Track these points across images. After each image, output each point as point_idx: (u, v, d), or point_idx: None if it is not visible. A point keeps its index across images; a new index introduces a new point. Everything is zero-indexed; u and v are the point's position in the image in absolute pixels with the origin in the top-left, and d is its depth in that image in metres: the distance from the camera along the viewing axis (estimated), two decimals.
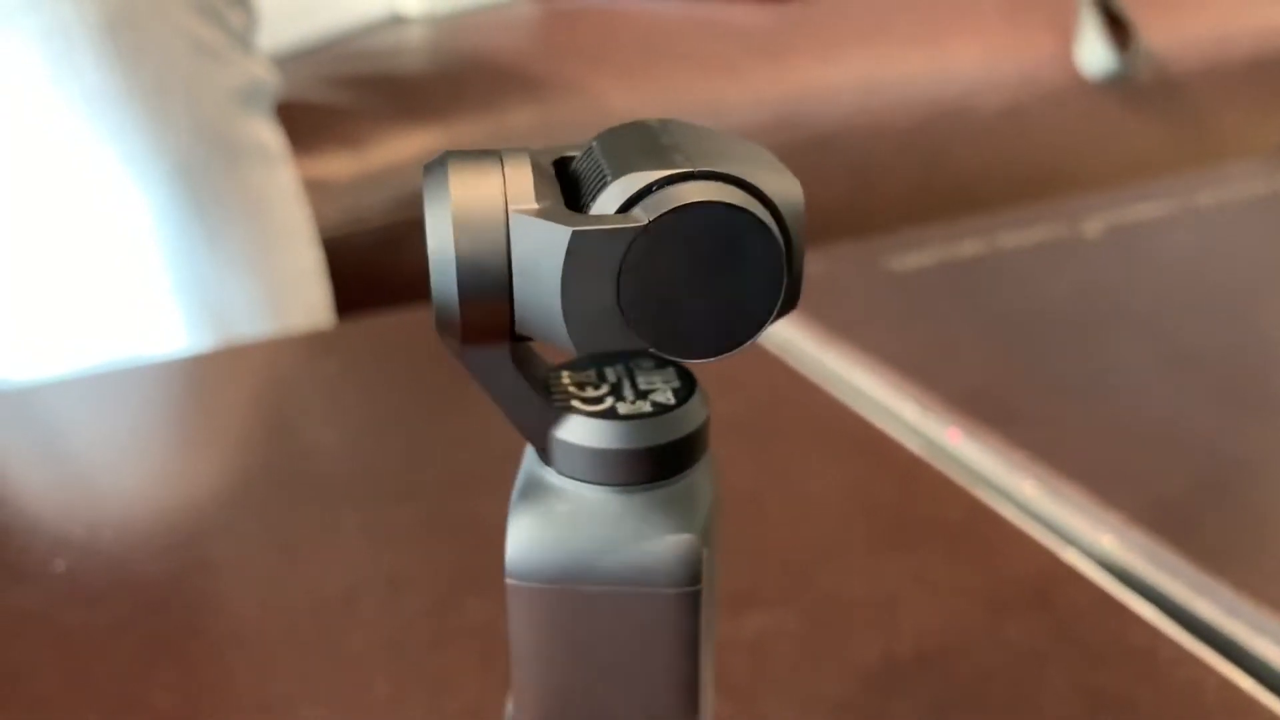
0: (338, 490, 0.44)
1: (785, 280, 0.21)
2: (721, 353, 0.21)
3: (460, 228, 0.20)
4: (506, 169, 0.21)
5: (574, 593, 0.22)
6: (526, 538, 0.22)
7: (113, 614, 0.38)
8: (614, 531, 0.22)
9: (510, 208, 0.20)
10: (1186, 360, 0.51)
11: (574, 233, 0.20)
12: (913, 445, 0.46)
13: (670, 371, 0.24)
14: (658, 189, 0.20)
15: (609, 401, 0.23)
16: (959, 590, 0.38)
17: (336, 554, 0.41)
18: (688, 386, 0.23)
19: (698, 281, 0.20)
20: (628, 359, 0.24)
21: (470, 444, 0.46)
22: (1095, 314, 0.55)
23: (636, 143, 0.21)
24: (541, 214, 0.20)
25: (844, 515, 0.42)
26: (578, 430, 0.22)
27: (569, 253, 0.20)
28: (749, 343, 0.22)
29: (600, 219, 0.20)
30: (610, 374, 0.23)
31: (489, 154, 0.21)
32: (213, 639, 0.37)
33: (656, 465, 0.22)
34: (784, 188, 0.21)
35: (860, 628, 0.37)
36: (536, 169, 0.21)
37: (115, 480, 0.46)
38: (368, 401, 0.51)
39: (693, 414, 0.23)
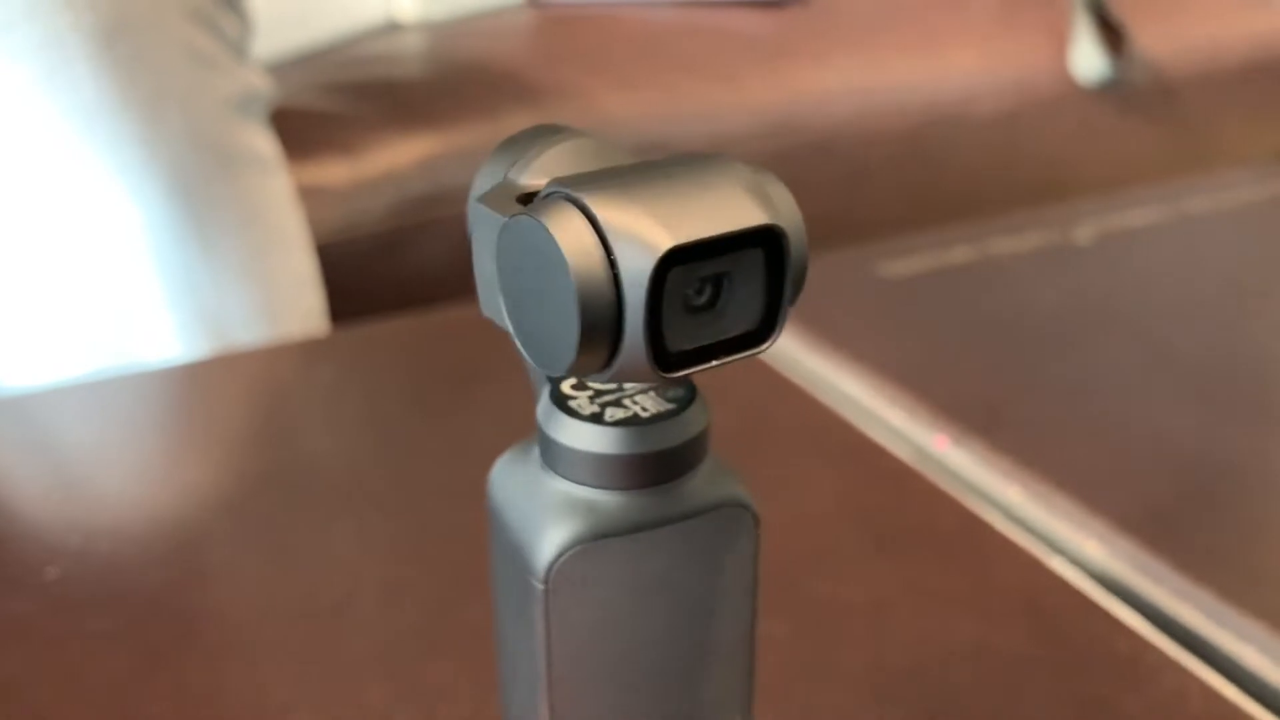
0: (332, 498, 0.45)
1: (579, 323, 0.19)
2: (554, 372, 0.21)
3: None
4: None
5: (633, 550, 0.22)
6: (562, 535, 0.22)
7: (105, 622, 0.38)
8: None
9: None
10: (1175, 367, 0.52)
11: (472, 202, 0.22)
12: (901, 453, 0.46)
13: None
14: (543, 196, 0.20)
15: (611, 407, 0.23)
16: (947, 598, 0.39)
17: (331, 562, 0.41)
18: (685, 389, 0.23)
19: (533, 292, 0.20)
20: None
21: (465, 452, 0.46)
22: (1085, 321, 0.56)
23: (622, 161, 0.22)
24: (489, 194, 0.22)
25: (833, 523, 0.43)
26: (596, 440, 0.22)
27: (470, 218, 0.22)
28: (590, 374, 0.20)
29: (505, 205, 0.21)
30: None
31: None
32: (206, 647, 0.37)
33: (644, 470, 0.22)
34: (649, 239, 0.19)
35: (850, 636, 0.37)
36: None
37: (109, 488, 0.46)
38: (363, 409, 0.51)
39: (682, 424, 0.23)
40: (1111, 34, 0.99)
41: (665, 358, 0.20)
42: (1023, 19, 1.04)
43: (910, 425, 0.48)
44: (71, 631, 0.37)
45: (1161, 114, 1.03)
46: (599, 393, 0.23)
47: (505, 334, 0.22)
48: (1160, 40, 1.02)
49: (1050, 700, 0.35)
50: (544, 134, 0.23)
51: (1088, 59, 0.98)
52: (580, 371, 0.20)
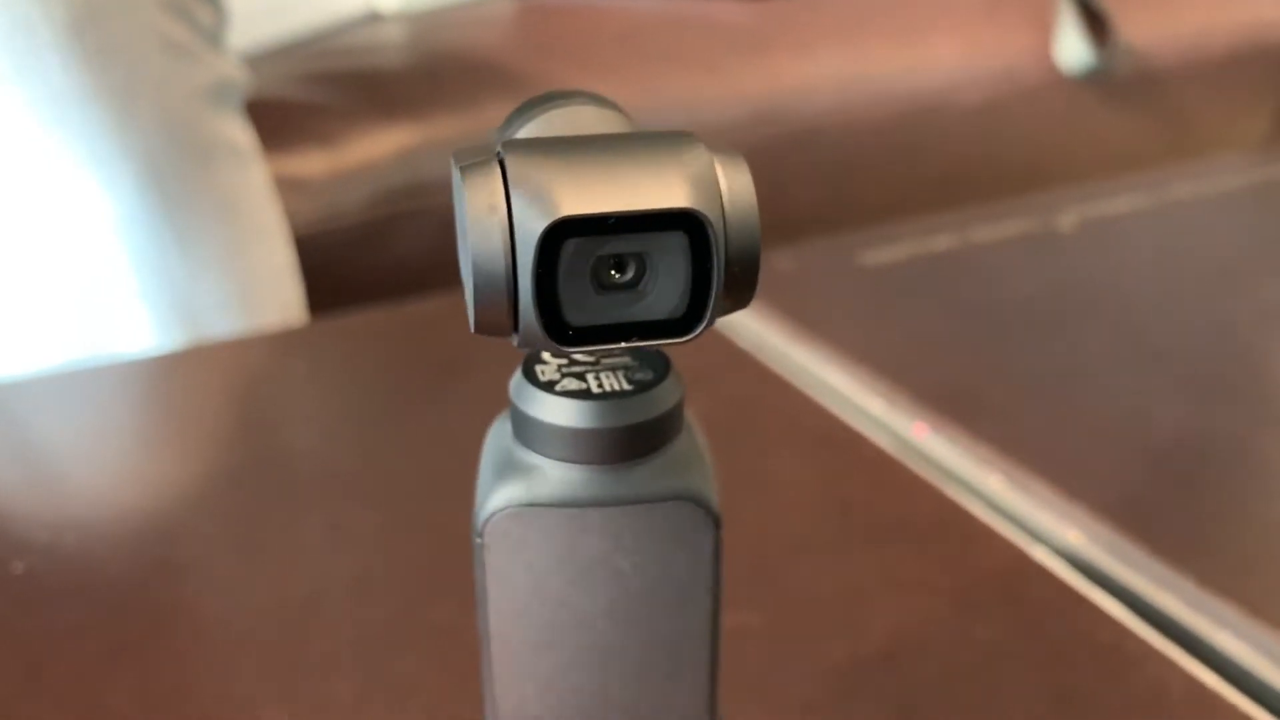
0: (304, 491, 0.44)
1: (473, 280, 0.19)
2: (472, 329, 0.20)
3: None
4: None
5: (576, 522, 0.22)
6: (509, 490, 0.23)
7: (72, 617, 0.37)
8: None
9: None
10: (1154, 355, 0.51)
11: (455, 153, 0.21)
12: (881, 441, 0.46)
13: (652, 358, 0.23)
14: (489, 154, 0.20)
15: (576, 381, 0.23)
16: (927, 588, 0.38)
17: (301, 555, 0.40)
18: (657, 373, 0.23)
19: (462, 246, 0.20)
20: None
21: (439, 446, 0.46)
22: (1065, 308, 0.55)
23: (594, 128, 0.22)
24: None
25: (812, 512, 0.42)
26: (544, 408, 0.22)
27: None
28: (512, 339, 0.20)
29: (479, 157, 0.21)
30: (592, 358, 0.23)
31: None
32: (174, 641, 0.37)
33: (616, 445, 0.22)
34: (545, 206, 0.19)
35: (828, 626, 0.37)
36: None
37: (79, 481, 0.46)
38: (336, 402, 0.50)
39: (651, 399, 0.22)
40: (1096, 23, 0.99)
41: (562, 329, 0.20)
42: (1006, 8, 1.03)
43: (890, 413, 0.47)
44: (38, 626, 0.37)
45: (1146, 103, 1.03)
46: (573, 363, 0.23)
47: None
48: (1145, 29, 1.02)
49: (1030, 690, 0.35)
50: (553, 98, 0.23)
51: (1072, 48, 0.98)
52: (488, 331, 0.20)
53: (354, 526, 0.42)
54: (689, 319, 0.20)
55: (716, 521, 0.23)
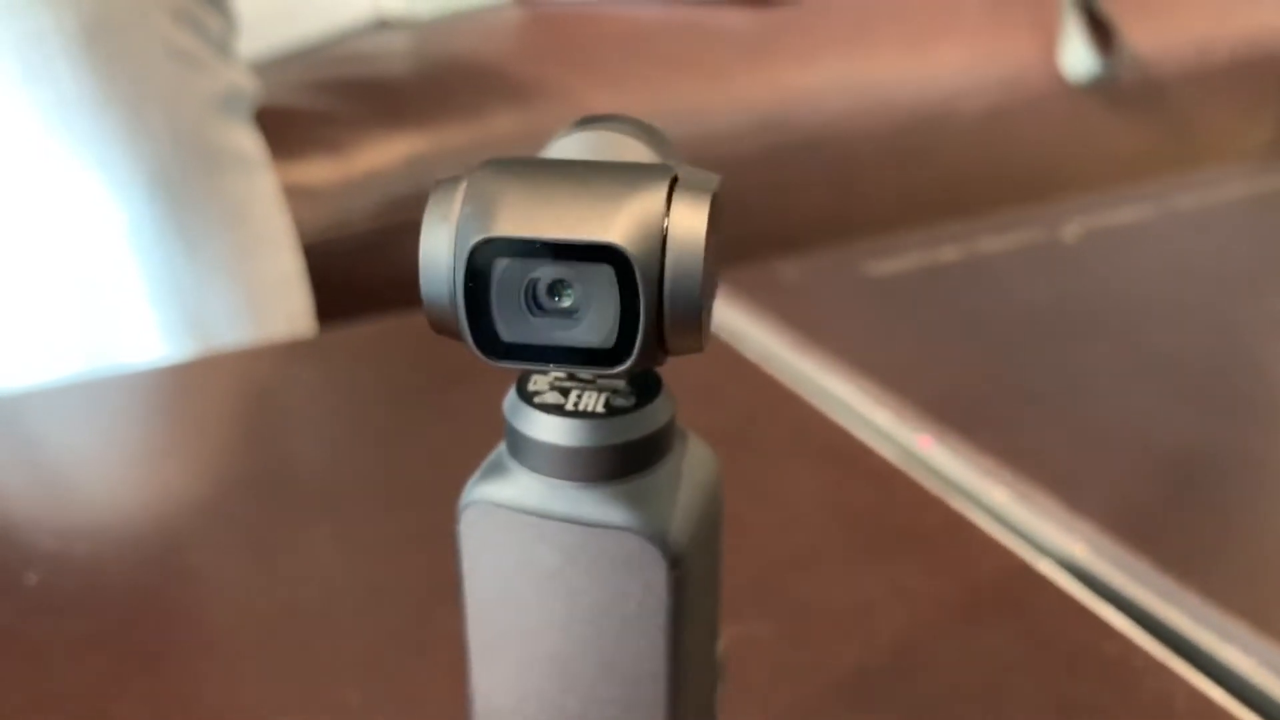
0: (314, 500, 0.44)
1: (421, 286, 0.21)
2: (435, 331, 0.22)
3: None
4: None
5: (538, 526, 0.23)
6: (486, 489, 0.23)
7: (84, 626, 0.38)
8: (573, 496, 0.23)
9: None
10: (1159, 366, 0.52)
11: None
12: (887, 452, 0.46)
13: (649, 386, 0.24)
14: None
15: (561, 398, 0.23)
16: (932, 599, 0.38)
17: (311, 564, 0.40)
18: (641, 401, 0.23)
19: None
20: None
21: (448, 454, 0.46)
22: (1070, 319, 0.55)
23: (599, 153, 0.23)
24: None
25: (818, 523, 0.42)
26: (519, 415, 0.23)
27: None
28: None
29: (461, 173, 0.22)
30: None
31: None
32: (186, 650, 0.37)
33: (598, 464, 0.23)
34: (476, 226, 0.20)
35: (834, 637, 0.37)
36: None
37: (91, 491, 0.46)
38: (346, 411, 0.51)
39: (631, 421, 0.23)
40: (1100, 31, 0.99)
41: (493, 344, 0.21)
42: (1011, 16, 1.04)
43: (895, 425, 0.48)
44: (49, 636, 0.37)
45: (1151, 111, 1.03)
46: (570, 379, 0.23)
47: None
48: (1149, 38, 1.02)
49: (1036, 703, 0.35)
50: (593, 121, 0.23)
51: (1077, 56, 0.98)
52: (442, 333, 0.21)
53: (363, 535, 0.42)
54: (618, 351, 0.20)
55: (674, 560, 0.23)
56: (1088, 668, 0.36)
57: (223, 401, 0.53)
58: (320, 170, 0.79)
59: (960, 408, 0.48)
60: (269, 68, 0.86)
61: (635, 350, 0.20)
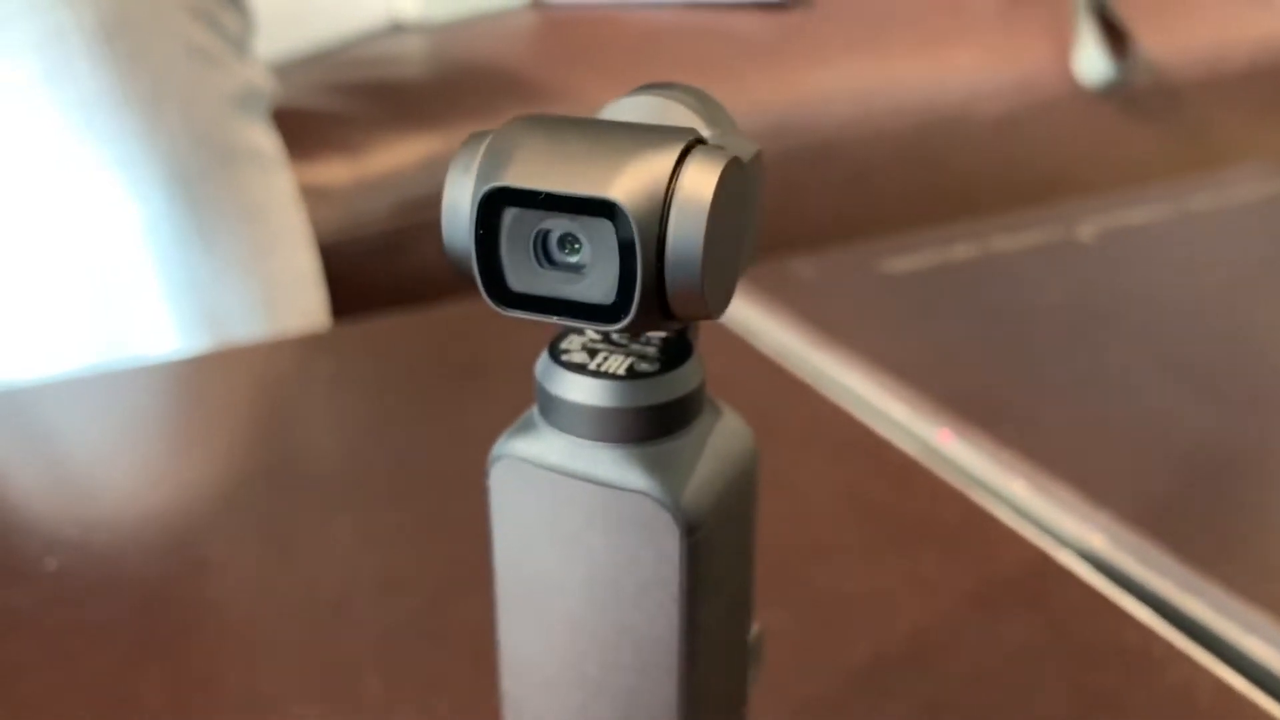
0: (331, 492, 0.44)
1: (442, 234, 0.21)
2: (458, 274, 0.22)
3: None
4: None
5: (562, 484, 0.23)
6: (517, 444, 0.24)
7: (104, 613, 0.38)
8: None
9: None
10: (1175, 361, 0.51)
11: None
12: (907, 447, 0.46)
13: (676, 341, 0.24)
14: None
15: (593, 359, 0.23)
16: (952, 591, 0.38)
17: (329, 555, 0.41)
18: (676, 357, 0.23)
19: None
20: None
21: (464, 446, 0.46)
22: (1087, 317, 0.55)
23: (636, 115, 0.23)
24: None
25: (838, 516, 0.42)
26: (546, 372, 0.23)
27: None
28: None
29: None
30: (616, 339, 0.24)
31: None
32: (204, 638, 0.37)
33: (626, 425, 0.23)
34: (490, 176, 0.21)
35: (854, 628, 0.37)
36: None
37: (109, 481, 0.46)
38: (362, 404, 0.51)
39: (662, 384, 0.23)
40: (1115, 36, 0.99)
41: (502, 292, 0.21)
42: (1024, 21, 1.04)
43: (914, 419, 0.48)
44: (71, 622, 0.37)
45: (1165, 116, 1.03)
46: (604, 339, 0.23)
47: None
48: (1164, 43, 1.02)
49: (1057, 693, 0.35)
50: (647, 88, 0.24)
51: (1091, 61, 0.98)
52: (464, 278, 0.21)
53: (380, 526, 0.42)
54: (616, 308, 0.20)
55: (690, 527, 0.23)
56: (1108, 657, 0.36)
57: (240, 394, 0.53)
58: (335, 171, 0.80)
59: (978, 402, 0.48)
60: (286, 70, 0.87)
61: (632, 308, 0.20)
